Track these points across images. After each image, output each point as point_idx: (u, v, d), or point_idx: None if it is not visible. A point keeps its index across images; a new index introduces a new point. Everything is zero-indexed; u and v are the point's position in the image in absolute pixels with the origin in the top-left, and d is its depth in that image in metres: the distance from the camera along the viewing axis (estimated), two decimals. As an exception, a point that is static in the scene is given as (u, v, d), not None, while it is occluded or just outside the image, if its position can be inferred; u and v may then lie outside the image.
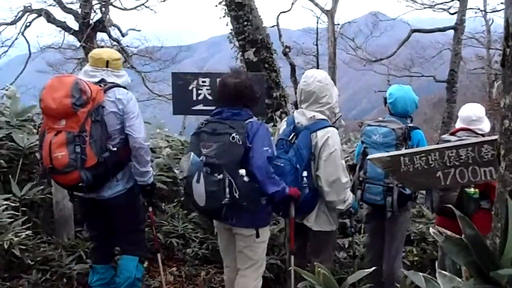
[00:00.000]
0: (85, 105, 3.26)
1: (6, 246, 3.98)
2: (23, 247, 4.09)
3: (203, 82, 4.88)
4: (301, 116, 3.69)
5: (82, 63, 19.88)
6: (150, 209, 3.90)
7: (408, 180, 3.17)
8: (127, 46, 20.86)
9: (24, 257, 4.05)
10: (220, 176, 3.13)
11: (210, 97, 4.90)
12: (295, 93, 15.05)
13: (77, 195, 3.54)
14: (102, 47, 18.96)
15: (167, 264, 4.75)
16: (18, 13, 17.60)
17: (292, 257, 3.66)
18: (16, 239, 4.06)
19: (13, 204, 4.27)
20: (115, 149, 3.40)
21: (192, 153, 3.29)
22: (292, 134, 3.67)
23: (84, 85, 3.29)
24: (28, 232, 4.19)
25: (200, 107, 4.96)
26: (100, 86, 3.45)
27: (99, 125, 3.33)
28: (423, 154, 2.99)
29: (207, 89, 4.86)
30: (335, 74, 20.34)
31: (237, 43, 11.48)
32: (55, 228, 4.56)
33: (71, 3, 17.96)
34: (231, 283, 3.66)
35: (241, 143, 3.17)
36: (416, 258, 5.22)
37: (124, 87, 3.55)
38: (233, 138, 3.16)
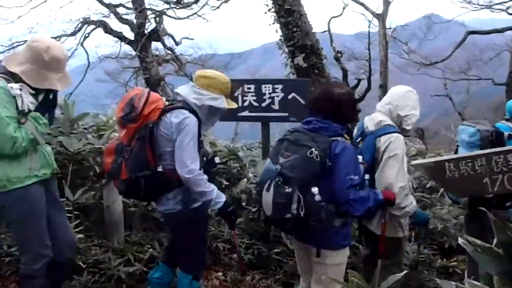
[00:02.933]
0: (134, 121, 3.30)
1: (59, 249, 4.16)
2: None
3: (248, 88, 4.92)
4: (370, 121, 3.67)
5: (138, 72, 20.49)
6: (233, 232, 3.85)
7: (454, 187, 3.09)
8: (181, 54, 21.33)
9: (76, 259, 4.20)
10: (289, 190, 2.99)
11: (255, 104, 4.94)
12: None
13: None
14: (157, 56, 19.52)
15: (213, 268, 4.80)
16: (78, 24, 18.34)
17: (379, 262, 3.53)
18: (69, 242, 4.23)
19: (67, 208, 4.44)
20: (160, 169, 3.36)
21: (268, 160, 3.28)
22: (359, 139, 3.68)
23: (138, 101, 3.30)
24: (80, 235, 4.36)
25: (245, 113, 5.01)
26: (169, 104, 3.43)
27: (142, 143, 3.32)
28: (469, 160, 2.90)
29: (252, 96, 4.91)
30: (387, 78, 19.96)
31: (286, 49, 11.50)
32: (105, 232, 4.70)
33: (127, 14, 18.58)
34: None
35: (318, 159, 3.00)
36: (447, 264, 5.09)
37: (193, 111, 3.39)
38: (311, 152, 3.01)
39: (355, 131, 3.84)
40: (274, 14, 11.59)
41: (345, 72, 19.25)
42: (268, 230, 4.97)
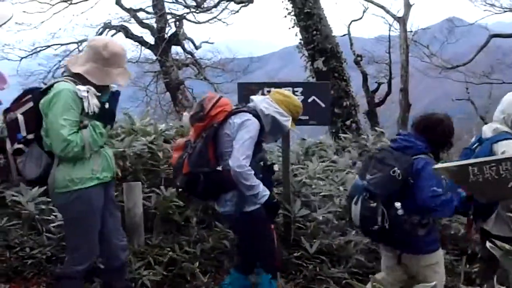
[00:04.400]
0: (201, 120, 3.53)
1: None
2: (96, 252, 4.29)
3: (268, 91, 4.88)
4: (487, 129, 3.83)
5: (158, 76, 20.65)
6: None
7: (478, 191, 3.03)
8: (201, 58, 21.42)
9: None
10: (374, 205, 3.33)
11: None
12: (367, 102, 14.89)
13: None
14: (177, 60, 19.64)
15: (233, 272, 4.78)
16: (99, 29, 18.56)
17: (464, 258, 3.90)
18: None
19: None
20: (220, 169, 3.49)
21: (357, 176, 3.63)
22: (476, 144, 3.87)
23: (208, 103, 3.53)
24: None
25: (265, 117, 4.98)
26: (235, 108, 3.63)
27: (205, 141, 3.50)
28: (493, 164, 2.84)
29: (272, 99, 4.88)
30: (408, 82, 19.75)
31: (306, 53, 11.48)
32: (126, 235, 4.72)
33: (147, 18, 18.75)
34: None
35: (400, 178, 3.29)
36: (474, 270, 5.00)
37: (257, 116, 3.56)
38: (394, 171, 3.30)
39: (473, 139, 4.05)
40: (294, 18, 11.58)
41: (365, 76, 19.17)
42: (288, 234, 4.94)
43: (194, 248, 4.70)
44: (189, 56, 20.56)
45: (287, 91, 3.89)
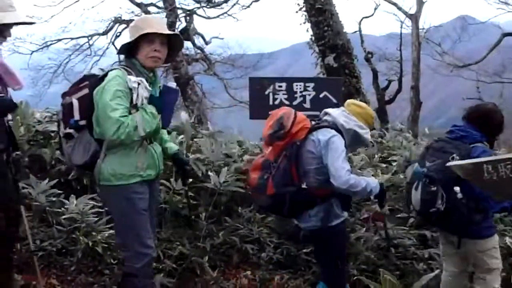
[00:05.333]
0: (281, 138, 3.46)
1: (91, 244, 4.21)
2: (106, 245, 4.30)
3: (280, 87, 4.88)
4: None
5: (167, 71, 20.68)
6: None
7: (493, 190, 2.98)
8: (210, 54, 21.41)
9: (106, 255, 4.24)
10: (434, 189, 3.53)
11: (286, 102, 4.90)
12: (377, 99, 14.83)
13: None
14: (187, 55, 19.64)
15: (242, 267, 4.78)
16: (109, 24, 18.63)
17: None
18: (99, 237, 4.28)
19: (97, 204, 4.49)
20: (305, 186, 3.45)
21: (416, 164, 3.80)
22: None
23: (287, 120, 3.46)
24: (111, 231, 4.39)
25: (276, 111, 4.97)
26: (315, 124, 3.61)
27: (288, 160, 3.45)
28: (508, 162, 2.79)
29: (283, 94, 4.87)
30: (419, 80, 19.66)
31: (317, 49, 11.43)
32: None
33: (158, 13, 18.74)
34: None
35: None
36: (503, 274, 4.93)
37: (338, 131, 3.53)
38: (453, 158, 3.47)
39: None
40: (305, 14, 11.53)
41: (375, 73, 19.08)
42: (298, 230, 4.93)
43: (203, 242, 4.70)
44: (199, 51, 20.56)
45: (361, 102, 3.88)
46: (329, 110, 3.69)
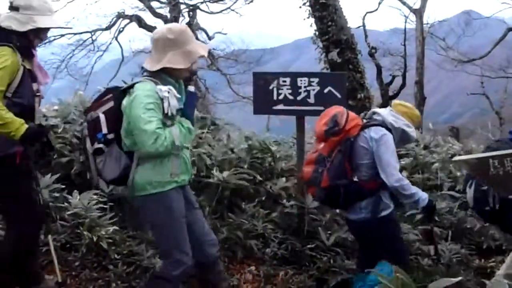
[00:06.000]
0: (336, 135, 3.69)
1: (95, 239, 4.20)
2: (110, 241, 4.29)
3: (284, 82, 4.84)
4: None
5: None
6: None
7: (499, 185, 2.96)
8: (214, 49, 21.39)
9: (110, 251, 4.23)
10: (485, 188, 3.61)
11: (290, 97, 4.87)
12: (381, 95, 14.76)
13: None
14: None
15: (246, 263, 4.77)
16: (112, 19, 18.64)
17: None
18: (104, 232, 4.27)
19: (101, 200, 4.48)
20: (356, 179, 3.70)
21: None
22: None
23: (341, 118, 3.70)
24: (115, 226, 4.38)
25: (280, 107, 4.92)
26: (367, 122, 3.84)
27: (342, 155, 3.69)
28: (515, 157, 2.77)
29: (287, 89, 4.83)
30: (423, 75, 19.59)
31: (321, 44, 11.37)
32: (139, 223, 4.71)
33: (161, 8, 18.73)
34: None
35: None
36: (485, 265, 4.95)
37: (388, 129, 3.75)
38: None
39: None
40: (309, 8, 11.46)
41: (379, 68, 19.03)
42: (302, 225, 4.92)
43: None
44: (202, 46, 20.49)
45: (407, 103, 4.06)
46: (378, 109, 3.95)
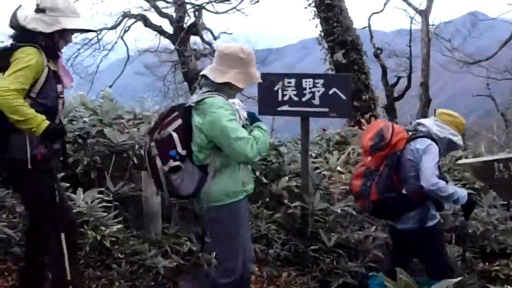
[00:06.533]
0: (382, 149, 3.79)
1: (99, 238, 4.21)
2: (114, 240, 4.30)
3: (289, 83, 4.84)
4: None
5: (176, 66, 20.68)
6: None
7: (504, 188, 2.97)
8: (219, 49, 21.34)
9: (114, 250, 4.24)
10: None
11: (295, 98, 4.87)
12: (386, 96, 14.71)
13: None
14: (195, 50, 19.64)
15: (249, 264, 4.77)
16: (118, 18, 18.66)
17: None
18: (107, 231, 4.28)
19: (107, 199, 4.49)
20: (405, 192, 3.80)
21: None
22: None
23: (387, 132, 3.79)
24: (119, 226, 4.40)
25: (285, 108, 4.92)
26: (412, 134, 3.90)
27: (389, 169, 3.79)
28: (520, 161, 2.77)
29: (292, 90, 4.83)
30: (428, 77, 19.52)
31: (326, 45, 11.37)
32: (143, 223, 4.73)
33: (166, 7, 18.75)
34: None
35: None
36: (489, 268, 4.94)
37: (434, 140, 3.81)
38: None
39: None
40: (314, 9, 11.47)
41: (384, 69, 19.01)
42: (305, 227, 4.92)
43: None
44: (208, 46, 20.54)
45: (451, 111, 4.08)
46: (422, 120, 4.01)
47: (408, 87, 19.76)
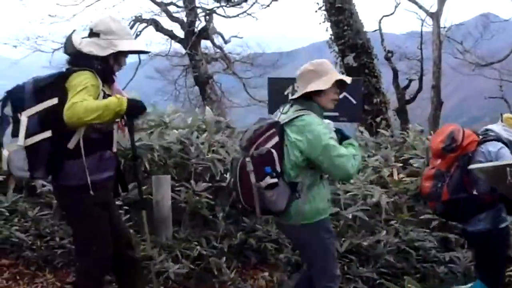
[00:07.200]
0: (453, 151, 3.81)
1: (110, 242, 4.22)
2: (125, 244, 4.31)
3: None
4: None
5: (187, 70, 20.74)
6: None
7: (517, 194, 2.92)
8: (230, 53, 21.43)
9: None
10: None
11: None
12: (397, 99, 14.63)
13: None
14: (206, 54, 19.70)
15: (259, 268, 4.77)
16: (130, 23, 18.71)
17: None
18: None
19: (118, 203, 4.50)
20: (476, 193, 3.78)
21: None
22: None
23: (458, 135, 3.81)
24: (131, 230, 4.40)
25: (295, 112, 4.92)
26: (483, 137, 3.91)
27: (461, 170, 3.79)
28: (534, 165, 2.73)
29: (302, 95, 4.81)
30: (440, 79, 19.39)
31: (336, 48, 11.35)
32: (154, 227, 4.74)
33: (178, 12, 18.83)
34: None
35: None
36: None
37: (503, 142, 3.82)
38: None
39: None
40: (325, 13, 11.47)
41: (395, 72, 18.91)
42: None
43: (221, 243, 4.69)
44: (218, 50, 20.60)
45: None
46: (490, 126, 4.02)
47: (419, 90, 19.63)
